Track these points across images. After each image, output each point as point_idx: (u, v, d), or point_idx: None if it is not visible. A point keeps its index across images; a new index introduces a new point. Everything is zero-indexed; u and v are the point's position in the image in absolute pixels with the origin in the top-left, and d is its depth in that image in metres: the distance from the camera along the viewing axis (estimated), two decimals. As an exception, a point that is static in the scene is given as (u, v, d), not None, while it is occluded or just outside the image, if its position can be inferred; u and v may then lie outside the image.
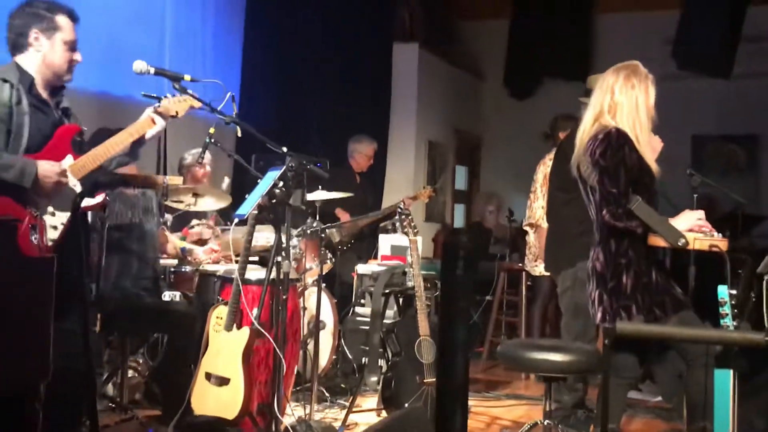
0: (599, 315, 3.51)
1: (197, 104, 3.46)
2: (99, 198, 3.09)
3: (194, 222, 5.16)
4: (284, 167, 3.57)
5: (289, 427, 3.85)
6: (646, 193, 3.46)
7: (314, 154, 6.43)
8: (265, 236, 4.83)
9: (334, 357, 5.53)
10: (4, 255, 2.33)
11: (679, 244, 3.32)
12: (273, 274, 3.78)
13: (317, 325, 4.72)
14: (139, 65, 3.42)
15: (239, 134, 4.32)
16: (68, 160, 3.05)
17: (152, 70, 3.43)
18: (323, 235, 4.98)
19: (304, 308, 4.80)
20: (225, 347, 3.78)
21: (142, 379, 4.78)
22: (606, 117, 3.50)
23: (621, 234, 3.45)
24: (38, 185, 2.92)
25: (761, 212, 8.18)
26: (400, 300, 5.44)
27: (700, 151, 9.29)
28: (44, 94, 3.15)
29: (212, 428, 2.86)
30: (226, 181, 5.46)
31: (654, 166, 3.51)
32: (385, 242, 6.15)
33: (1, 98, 2.99)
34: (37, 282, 2.40)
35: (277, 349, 3.64)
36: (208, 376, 3.80)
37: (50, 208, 2.97)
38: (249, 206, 3.50)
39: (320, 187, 5.66)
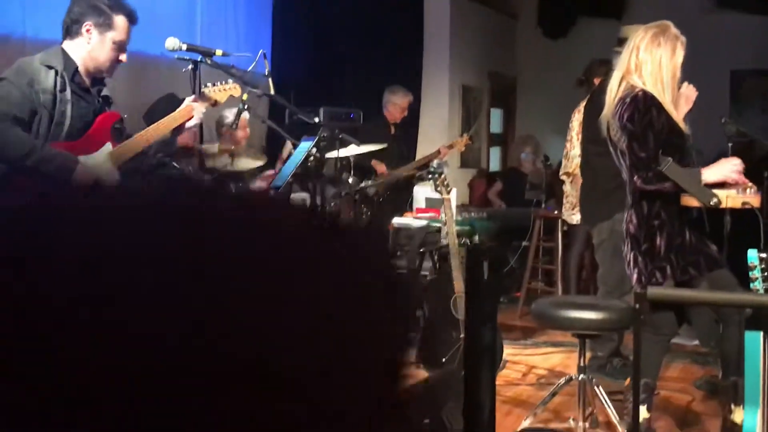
0: (635, 276, 3.56)
1: (237, 92, 3.51)
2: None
3: None
4: (316, 138, 3.62)
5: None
6: (677, 152, 3.46)
7: (348, 106, 6.50)
8: (301, 197, 4.91)
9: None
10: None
11: (711, 203, 3.33)
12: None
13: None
14: (172, 42, 3.47)
15: (272, 91, 4.40)
16: (107, 148, 3.12)
17: (184, 47, 3.47)
18: (358, 191, 5.03)
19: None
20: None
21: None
22: (632, 76, 3.49)
23: (653, 196, 3.46)
24: (76, 180, 2.99)
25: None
26: (435, 257, 5.50)
27: (739, 86, 9.12)
28: (86, 82, 3.19)
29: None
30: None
31: (683, 125, 3.51)
32: (420, 194, 6.19)
33: (45, 85, 3.03)
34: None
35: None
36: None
37: None
38: (284, 178, 3.57)
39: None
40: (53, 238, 0.46)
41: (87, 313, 0.44)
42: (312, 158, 3.67)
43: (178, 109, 3.33)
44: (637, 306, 2.80)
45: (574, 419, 3.84)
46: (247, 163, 5.20)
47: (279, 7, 7.14)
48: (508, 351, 5.33)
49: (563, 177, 6.22)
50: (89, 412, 0.43)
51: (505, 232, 7.45)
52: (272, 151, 5.81)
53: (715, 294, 3.21)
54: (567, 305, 3.72)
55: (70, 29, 3.16)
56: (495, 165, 9.93)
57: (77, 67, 3.13)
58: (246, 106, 4.18)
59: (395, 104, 7.02)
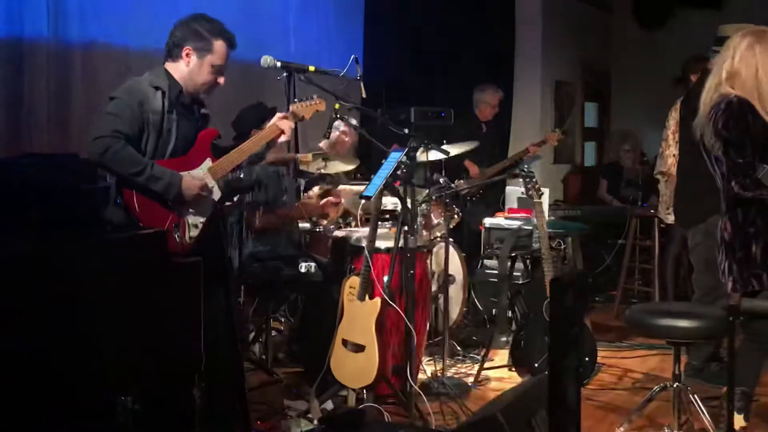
0: (730, 284, 3.49)
1: (322, 108, 3.61)
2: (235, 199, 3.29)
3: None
4: (406, 149, 3.68)
5: (419, 391, 4.01)
6: None
7: (439, 104, 6.53)
8: (392, 201, 4.97)
9: (464, 309, 5.67)
10: (157, 262, 2.57)
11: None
12: (401, 243, 3.94)
13: (446, 282, 4.87)
14: (266, 60, 3.59)
15: (363, 95, 4.49)
16: (207, 163, 3.27)
17: (278, 64, 3.59)
18: (449, 192, 5.06)
19: (433, 272, 4.94)
20: (358, 316, 3.99)
21: (283, 339, 5.10)
22: (725, 85, 3.44)
23: (748, 203, 3.40)
24: (181, 196, 3.15)
25: None
26: (527, 261, 5.49)
27: None
28: (188, 101, 3.34)
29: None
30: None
31: None
32: (512, 194, 6.18)
33: (154, 106, 3.18)
34: (187, 284, 2.64)
35: (408, 322, 3.81)
36: (345, 342, 4.03)
37: (191, 211, 3.21)
38: (374, 188, 3.64)
39: (444, 141, 5.75)
40: None
41: None
42: (402, 166, 3.73)
43: (268, 125, 3.44)
44: (731, 318, 2.75)
45: (668, 426, 3.80)
46: (340, 166, 5.33)
47: (370, 7, 7.21)
48: (603, 354, 5.29)
49: (658, 176, 6.11)
50: None
51: (600, 231, 7.38)
52: (365, 157, 5.91)
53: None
54: (661, 313, 3.68)
55: (172, 52, 3.30)
56: (590, 160, 9.79)
57: (182, 89, 3.27)
58: (338, 115, 4.28)
59: (485, 102, 7.02)
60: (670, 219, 5.93)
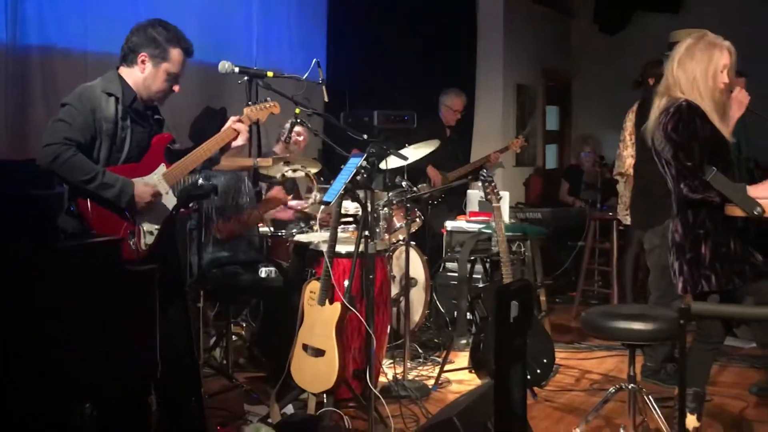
0: (680, 285, 3.58)
1: (276, 110, 3.61)
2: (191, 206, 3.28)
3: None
4: (365, 154, 3.71)
5: (379, 395, 4.03)
6: (722, 162, 3.47)
7: (403, 108, 6.56)
8: (354, 205, 5.00)
9: (426, 311, 5.71)
10: (112, 270, 2.57)
11: (755, 213, 3.33)
12: (362, 247, 3.96)
13: (407, 285, 4.90)
14: (224, 65, 3.59)
15: (326, 99, 4.51)
16: (161, 169, 3.25)
17: (236, 69, 3.59)
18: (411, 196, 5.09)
19: (393, 275, 4.97)
20: (319, 321, 4.00)
21: (244, 343, 5.10)
22: (673, 90, 3.55)
23: (698, 205, 3.48)
24: (133, 203, 3.13)
25: None
26: (487, 264, 5.54)
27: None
28: (142, 107, 3.32)
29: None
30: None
31: (727, 134, 3.51)
32: (474, 198, 6.23)
33: (107, 113, 3.15)
34: (143, 292, 2.64)
35: (367, 327, 3.83)
36: (305, 347, 4.04)
37: (146, 218, 3.20)
38: (334, 194, 3.66)
39: (406, 144, 5.78)
40: None
41: None
42: (362, 171, 3.75)
43: (223, 129, 3.43)
44: (682, 321, 2.81)
45: (624, 427, 3.86)
46: (300, 171, 5.32)
47: (333, 10, 7.22)
48: (561, 355, 5.36)
49: (617, 177, 6.20)
50: None
51: (560, 233, 7.46)
52: (327, 160, 5.92)
53: (759, 309, 3.21)
54: (616, 316, 3.73)
55: (127, 57, 3.27)
56: (551, 163, 9.89)
57: (135, 95, 3.25)
58: (299, 120, 4.29)
59: (448, 107, 7.07)
60: (629, 220, 6.02)
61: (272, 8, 6.59)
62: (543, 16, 9.38)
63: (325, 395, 3.98)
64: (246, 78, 3.95)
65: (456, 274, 5.59)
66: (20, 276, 2.33)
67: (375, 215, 4.22)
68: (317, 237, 4.67)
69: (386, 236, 5.15)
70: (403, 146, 5.52)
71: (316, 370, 3.97)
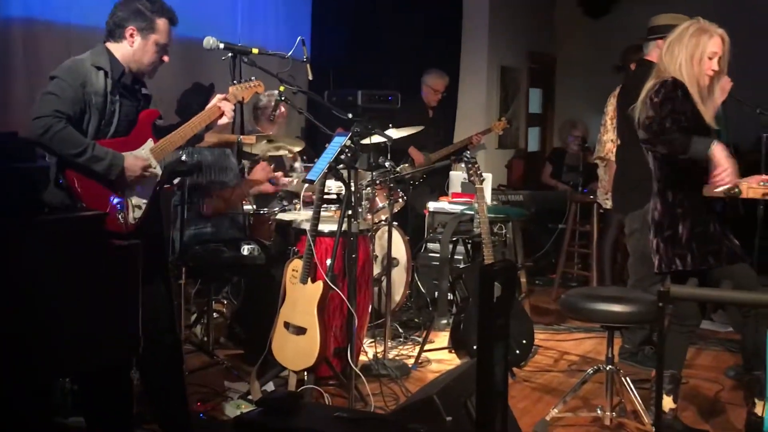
0: (656, 263, 3.66)
1: (261, 90, 3.59)
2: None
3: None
4: (349, 133, 3.71)
5: (359, 373, 4.06)
6: None
7: (386, 88, 6.55)
8: (338, 184, 4.99)
9: (408, 291, 5.73)
10: (94, 245, 2.57)
11: (732, 193, 3.39)
12: (344, 226, 3.98)
13: (389, 265, 4.92)
14: (209, 41, 3.57)
15: (310, 77, 4.50)
16: (149, 144, 3.24)
17: (221, 45, 3.57)
18: (394, 176, 5.10)
19: (375, 255, 4.98)
20: (300, 299, 4.01)
21: (225, 320, 5.10)
22: (662, 73, 3.62)
23: (677, 184, 3.54)
24: (123, 177, 3.12)
25: None
26: (469, 245, 5.56)
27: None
28: (130, 81, 3.30)
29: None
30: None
31: (709, 118, 3.55)
32: (456, 179, 6.25)
33: (96, 87, 3.13)
34: (125, 267, 2.63)
35: (349, 305, 3.84)
36: (287, 325, 4.05)
37: (135, 191, 3.19)
38: (317, 172, 3.66)
39: (390, 125, 5.79)
40: None
41: None
42: (346, 150, 3.75)
43: (208, 107, 3.41)
44: (660, 304, 2.84)
45: (601, 408, 3.91)
46: (284, 149, 5.33)
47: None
48: (541, 336, 5.42)
49: (597, 161, 6.25)
50: None
51: (541, 215, 7.50)
52: (311, 139, 5.91)
53: (736, 294, 3.26)
54: (595, 298, 3.78)
55: (114, 32, 3.24)
56: (534, 145, 9.92)
57: (124, 69, 3.24)
58: (283, 97, 4.28)
59: (430, 87, 7.07)
60: (608, 204, 6.06)
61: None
62: (527, -3, 9.38)
63: (305, 373, 4.00)
64: (230, 54, 3.93)
65: (437, 255, 5.61)
66: (2, 249, 2.32)
67: (358, 195, 4.22)
68: (300, 215, 4.68)
69: (369, 216, 5.16)
70: (387, 127, 5.51)
71: (297, 348, 3.99)
